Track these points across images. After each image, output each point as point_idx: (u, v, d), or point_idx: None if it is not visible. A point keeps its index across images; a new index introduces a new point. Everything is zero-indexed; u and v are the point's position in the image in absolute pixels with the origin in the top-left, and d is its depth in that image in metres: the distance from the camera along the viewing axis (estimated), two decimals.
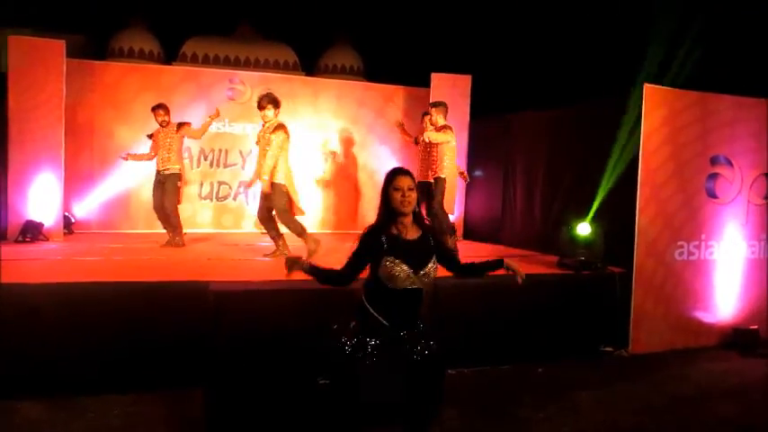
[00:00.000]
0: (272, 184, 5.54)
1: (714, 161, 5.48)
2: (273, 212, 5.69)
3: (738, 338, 5.46)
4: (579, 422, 3.82)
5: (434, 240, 2.70)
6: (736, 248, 5.62)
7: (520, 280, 2.75)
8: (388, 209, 2.63)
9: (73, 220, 7.64)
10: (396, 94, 9.01)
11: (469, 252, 6.85)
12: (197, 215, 8.30)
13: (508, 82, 8.45)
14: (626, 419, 3.88)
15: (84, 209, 7.88)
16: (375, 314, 2.60)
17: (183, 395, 3.83)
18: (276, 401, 3.43)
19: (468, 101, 8.39)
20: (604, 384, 4.51)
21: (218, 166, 8.41)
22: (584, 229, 5.71)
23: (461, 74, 8.37)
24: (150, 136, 6.70)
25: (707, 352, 5.33)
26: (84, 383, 3.91)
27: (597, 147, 6.18)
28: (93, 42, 9.50)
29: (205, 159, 8.38)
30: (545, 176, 7.19)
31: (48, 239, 6.67)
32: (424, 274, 2.59)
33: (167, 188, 6.43)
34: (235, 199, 8.50)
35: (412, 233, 2.66)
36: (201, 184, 8.35)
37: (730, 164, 5.54)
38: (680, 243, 5.38)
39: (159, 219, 6.56)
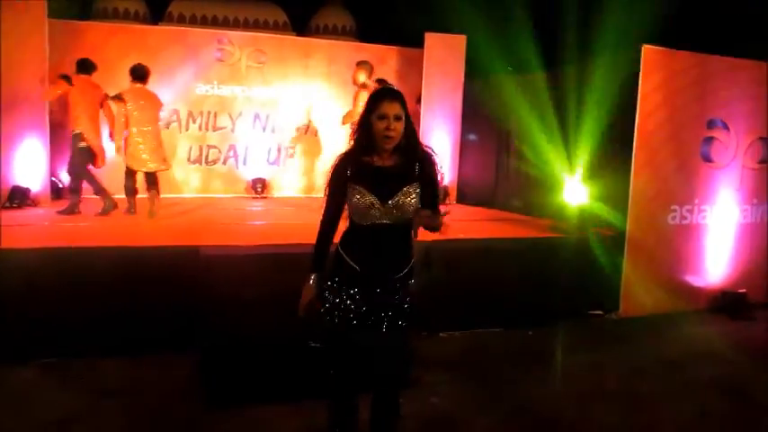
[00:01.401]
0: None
1: (710, 125, 5.41)
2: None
3: (726, 302, 5.50)
4: (568, 384, 3.87)
5: (424, 171, 2.21)
6: (728, 213, 5.61)
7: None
8: (367, 138, 2.16)
9: (61, 186, 7.53)
10: (389, 55, 8.81)
11: (464, 216, 6.84)
12: (186, 180, 8.20)
13: (502, 42, 8.25)
14: (614, 382, 3.92)
15: None
16: (347, 259, 2.23)
17: (177, 358, 3.84)
18: (268, 364, 3.45)
19: (462, 62, 8.23)
20: (593, 347, 4.55)
21: (206, 129, 8.25)
22: (577, 192, 5.68)
23: (456, 33, 8.19)
24: (59, 83, 6.05)
25: (696, 315, 5.38)
26: (78, 348, 3.90)
27: (590, 108, 6.08)
28: (78, 3, 9.21)
29: (194, 122, 8.19)
30: (538, 140, 7.09)
31: (35, 205, 6.57)
32: (393, 206, 2.15)
33: (71, 150, 6.07)
34: (224, 163, 8.38)
35: (388, 160, 2.21)
36: (190, 148, 8.20)
37: (726, 128, 5.47)
38: (673, 207, 5.35)
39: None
